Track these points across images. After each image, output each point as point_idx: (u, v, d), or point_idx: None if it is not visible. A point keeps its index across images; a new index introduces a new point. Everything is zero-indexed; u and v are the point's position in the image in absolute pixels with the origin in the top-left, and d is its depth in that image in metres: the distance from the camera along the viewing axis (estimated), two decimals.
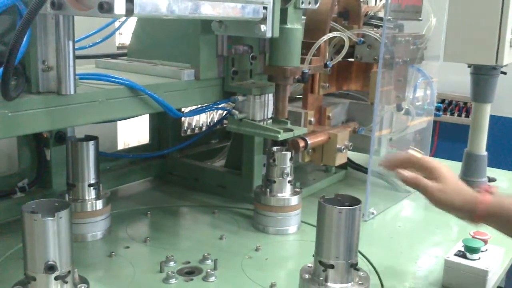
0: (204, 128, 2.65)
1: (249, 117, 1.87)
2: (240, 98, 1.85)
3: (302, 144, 1.96)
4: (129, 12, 1.17)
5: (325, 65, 2.00)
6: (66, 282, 1.25)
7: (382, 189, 2.35)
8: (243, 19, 1.55)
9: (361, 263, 1.67)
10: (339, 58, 2.01)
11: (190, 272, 1.58)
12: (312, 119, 2.08)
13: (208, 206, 2.10)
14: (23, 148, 1.89)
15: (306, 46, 1.90)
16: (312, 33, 1.97)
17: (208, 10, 1.39)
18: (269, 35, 1.62)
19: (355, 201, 1.34)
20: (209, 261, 1.63)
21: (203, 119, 2.72)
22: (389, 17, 1.96)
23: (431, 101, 2.51)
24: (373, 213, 2.07)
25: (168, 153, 2.35)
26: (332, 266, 1.26)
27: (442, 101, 4.78)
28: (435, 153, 3.58)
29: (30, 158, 1.91)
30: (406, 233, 1.99)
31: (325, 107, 2.18)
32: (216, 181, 2.25)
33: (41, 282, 1.23)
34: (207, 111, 1.83)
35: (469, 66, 2.22)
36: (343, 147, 2.06)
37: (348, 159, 2.57)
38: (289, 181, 1.90)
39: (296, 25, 1.75)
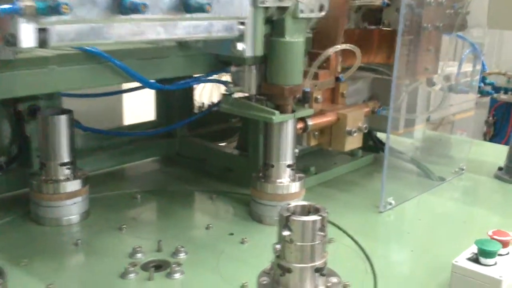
0: None
1: (245, 91, 1.63)
2: (233, 68, 1.62)
3: (300, 125, 1.70)
4: (43, 43, 0.99)
5: (337, 79, 1.72)
6: None
7: (411, 175, 2.05)
8: (211, 39, 1.31)
9: (359, 262, 1.42)
10: (353, 69, 1.71)
11: (157, 266, 1.38)
12: (319, 97, 1.80)
13: (209, 191, 1.89)
14: (2, 123, 1.75)
15: (315, 58, 1.64)
16: (321, 42, 1.69)
17: (157, 33, 1.17)
18: (249, 54, 1.38)
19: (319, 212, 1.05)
20: (182, 254, 1.43)
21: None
22: None
23: (480, 76, 2.17)
24: (390, 204, 1.78)
25: (175, 131, 2.16)
26: (290, 270, 1.01)
27: None
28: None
29: (10, 134, 1.77)
30: (425, 229, 1.69)
31: (337, 83, 1.89)
32: (223, 164, 2.04)
33: None
34: (193, 84, 1.61)
35: None
36: (354, 130, 1.77)
37: (380, 141, 2.28)
38: (288, 165, 1.65)
39: (297, 38, 1.52)
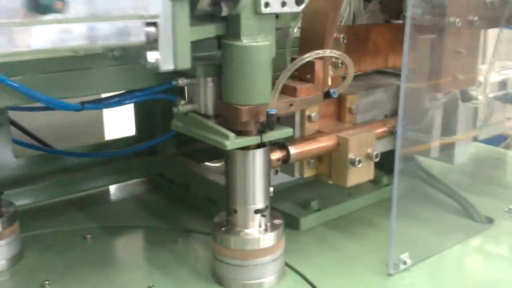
0: None
1: (200, 110, 1.23)
2: (181, 81, 1.21)
3: (278, 154, 1.27)
4: None
5: (326, 95, 1.26)
6: None
7: (444, 214, 1.55)
8: (96, 48, 0.92)
9: None
10: (347, 83, 1.26)
11: None
12: (313, 114, 1.35)
13: (179, 230, 1.51)
14: None
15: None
16: (306, 46, 1.25)
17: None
18: (167, 67, 0.96)
19: None
20: None
21: None
22: None
23: None
24: (405, 263, 1.30)
25: (157, 148, 1.79)
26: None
27: None
28: None
29: None
30: None
31: (345, 95, 1.43)
32: (206, 193, 1.65)
33: None
34: (127, 103, 1.21)
35: None
36: (359, 159, 1.31)
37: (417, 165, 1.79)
38: (257, 211, 1.22)
39: (260, 41, 1.10)
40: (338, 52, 1.18)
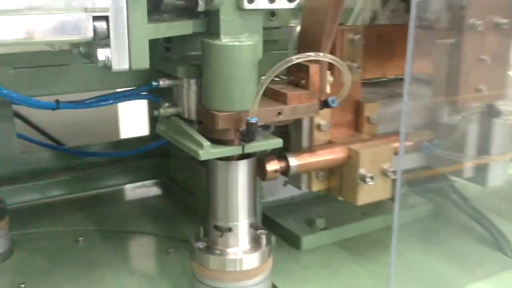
0: None
1: (184, 115, 1.12)
2: (163, 82, 1.11)
3: (275, 166, 1.14)
4: None
5: (325, 104, 1.12)
6: None
7: (469, 245, 1.37)
8: (34, 44, 0.81)
9: None
10: (345, 92, 1.11)
11: None
12: (323, 123, 1.21)
13: (174, 239, 1.42)
14: None
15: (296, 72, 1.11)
16: (304, 48, 1.11)
17: None
18: (121, 66, 0.85)
19: None
20: None
21: None
22: None
23: None
24: None
25: (168, 150, 1.71)
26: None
27: None
28: None
29: None
30: None
31: (363, 102, 1.28)
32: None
33: None
34: (107, 103, 1.11)
35: None
36: (370, 175, 1.16)
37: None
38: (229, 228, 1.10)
39: (244, 40, 0.99)
40: (330, 56, 1.03)
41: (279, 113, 1.07)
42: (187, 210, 1.59)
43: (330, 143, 1.23)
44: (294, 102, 1.09)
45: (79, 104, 1.11)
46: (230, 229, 1.11)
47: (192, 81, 1.09)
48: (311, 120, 1.20)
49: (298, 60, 1.00)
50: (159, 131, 1.17)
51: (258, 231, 1.14)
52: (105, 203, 1.63)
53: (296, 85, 1.13)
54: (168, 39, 1.14)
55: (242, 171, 1.08)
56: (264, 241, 1.13)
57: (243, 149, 1.04)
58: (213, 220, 1.11)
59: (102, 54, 0.84)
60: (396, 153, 1.23)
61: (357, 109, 1.28)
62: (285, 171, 1.17)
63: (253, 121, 0.99)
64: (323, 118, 1.20)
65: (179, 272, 1.27)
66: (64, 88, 1.11)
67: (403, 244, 1.42)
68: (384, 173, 1.19)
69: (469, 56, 1.08)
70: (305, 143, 1.21)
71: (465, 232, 1.43)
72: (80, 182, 1.61)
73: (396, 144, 1.25)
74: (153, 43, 1.11)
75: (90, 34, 0.81)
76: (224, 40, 0.98)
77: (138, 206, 1.64)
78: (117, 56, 0.84)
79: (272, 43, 1.29)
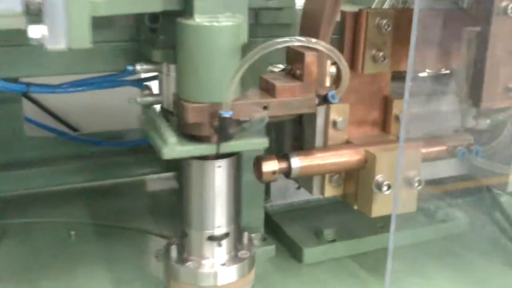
0: None
1: (164, 104, 1.01)
2: (140, 67, 0.99)
3: (273, 166, 0.99)
4: None
5: (324, 99, 0.95)
6: None
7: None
8: None
9: None
10: (344, 88, 0.94)
11: None
12: (340, 119, 1.05)
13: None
14: None
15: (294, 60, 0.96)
16: (304, 33, 0.97)
17: None
18: (56, 46, 0.74)
19: None
20: None
21: None
22: None
23: None
24: None
25: None
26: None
27: None
28: None
29: None
30: None
31: (392, 98, 1.11)
32: None
33: None
34: (80, 90, 1.00)
35: None
36: (386, 183, 0.99)
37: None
38: (211, 238, 0.97)
39: (222, 20, 0.85)
40: (322, 43, 0.87)
41: (265, 107, 0.93)
42: None
43: (347, 143, 1.08)
44: (285, 95, 0.94)
45: (50, 88, 1.02)
46: (222, 237, 0.98)
47: (172, 67, 0.96)
48: (327, 115, 1.04)
49: (280, 46, 0.85)
50: (140, 123, 1.06)
51: (243, 241, 1.01)
52: (110, 195, 1.54)
53: (293, 76, 0.98)
54: (154, 19, 1.02)
55: (220, 171, 0.95)
56: (244, 253, 1.00)
57: (217, 148, 0.91)
58: (186, 227, 0.99)
59: (36, 31, 0.73)
60: (426, 159, 1.05)
61: (385, 105, 1.11)
62: (286, 173, 1.02)
63: (226, 115, 0.86)
64: (339, 114, 1.05)
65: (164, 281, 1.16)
66: (39, 70, 1.01)
67: (423, 263, 1.25)
68: (408, 182, 1.02)
69: (498, 47, 0.88)
70: (318, 141, 1.07)
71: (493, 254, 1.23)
72: (88, 172, 1.53)
73: (428, 149, 1.07)
74: (138, 22, 1.00)
75: (18, 7, 0.71)
76: (198, 19, 0.85)
77: (144, 199, 1.54)
78: (53, 34, 0.73)
79: (282, 27, 1.13)
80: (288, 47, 0.96)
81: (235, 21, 0.87)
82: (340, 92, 0.95)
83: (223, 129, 0.87)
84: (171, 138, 0.89)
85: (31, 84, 1.01)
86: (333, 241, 1.24)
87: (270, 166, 1.01)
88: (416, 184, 1.03)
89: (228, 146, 0.91)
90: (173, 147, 0.88)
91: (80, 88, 1.04)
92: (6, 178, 1.44)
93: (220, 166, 0.94)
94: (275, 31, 1.09)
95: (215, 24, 0.85)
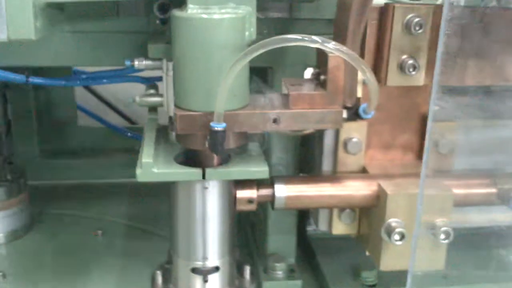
0: None
1: (165, 107, 0.87)
2: (138, 62, 0.86)
3: (249, 193, 0.83)
4: None
5: (356, 114, 0.75)
6: None
7: None
8: None
9: None
10: (374, 102, 0.74)
11: None
12: (355, 140, 0.85)
13: None
14: None
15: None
16: (335, 33, 0.79)
17: None
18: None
19: None
20: None
21: None
22: None
23: None
24: None
25: None
26: None
27: None
28: None
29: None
30: None
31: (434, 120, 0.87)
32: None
33: None
34: (79, 84, 0.88)
35: None
36: (398, 231, 0.78)
37: None
38: (194, 270, 0.82)
39: (224, 12, 0.71)
40: (337, 45, 0.67)
41: (275, 121, 0.75)
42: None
43: (363, 172, 0.86)
44: (301, 106, 0.75)
45: (48, 80, 0.92)
46: (216, 269, 0.83)
47: (171, 64, 0.82)
48: (336, 134, 0.84)
49: (284, 44, 0.67)
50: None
51: (239, 277, 0.85)
52: (152, 197, 1.44)
53: (319, 82, 0.79)
54: (164, 9, 0.88)
55: (208, 193, 0.79)
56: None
57: (203, 174, 0.74)
58: (174, 255, 0.84)
59: None
60: (461, 204, 0.81)
61: (423, 127, 0.88)
62: (270, 202, 0.84)
63: (218, 128, 0.70)
64: (352, 133, 0.84)
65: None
66: (41, 60, 0.92)
67: None
68: (434, 231, 0.79)
69: None
70: (326, 166, 0.87)
71: None
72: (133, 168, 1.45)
73: (464, 191, 0.83)
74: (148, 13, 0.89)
75: None
76: (192, 11, 0.70)
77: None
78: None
79: (323, 23, 0.94)
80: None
81: (238, 14, 0.70)
82: (372, 106, 0.74)
83: (213, 143, 0.70)
84: (147, 158, 0.74)
85: (29, 75, 0.92)
86: (373, 286, 1.02)
87: (245, 192, 0.83)
88: (443, 237, 0.79)
89: (216, 174, 0.74)
90: (147, 169, 0.74)
91: (77, 82, 0.93)
92: (51, 166, 1.40)
93: (207, 188, 0.78)
94: (313, 28, 0.91)
95: (213, 16, 0.69)
